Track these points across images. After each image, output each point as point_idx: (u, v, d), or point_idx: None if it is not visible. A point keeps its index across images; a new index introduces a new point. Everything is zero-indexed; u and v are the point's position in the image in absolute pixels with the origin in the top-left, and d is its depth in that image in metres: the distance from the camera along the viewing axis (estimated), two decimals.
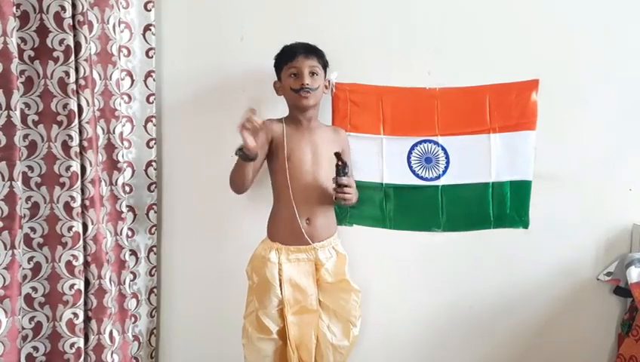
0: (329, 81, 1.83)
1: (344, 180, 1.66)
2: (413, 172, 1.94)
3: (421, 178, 1.94)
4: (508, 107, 1.89)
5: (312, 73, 1.70)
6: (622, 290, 1.91)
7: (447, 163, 1.93)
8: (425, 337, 2.03)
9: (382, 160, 1.93)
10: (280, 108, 1.82)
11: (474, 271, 1.98)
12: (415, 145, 1.93)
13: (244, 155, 1.60)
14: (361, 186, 1.92)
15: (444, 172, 1.94)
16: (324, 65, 1.77)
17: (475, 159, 1.92)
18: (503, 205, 1.93)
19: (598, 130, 1.90)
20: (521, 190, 1.92)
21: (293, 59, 1.69)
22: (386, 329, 2.02)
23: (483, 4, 1.88)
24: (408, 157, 1.94)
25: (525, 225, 1.94)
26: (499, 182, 1.92)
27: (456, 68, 1.90)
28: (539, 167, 1.90)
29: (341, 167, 1.66)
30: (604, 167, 1.91)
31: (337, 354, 1.79)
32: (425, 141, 1.93)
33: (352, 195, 1.70)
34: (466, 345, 2.03)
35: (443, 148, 1.93)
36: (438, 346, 2.04)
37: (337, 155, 1.65)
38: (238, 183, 1.71)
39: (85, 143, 1.65)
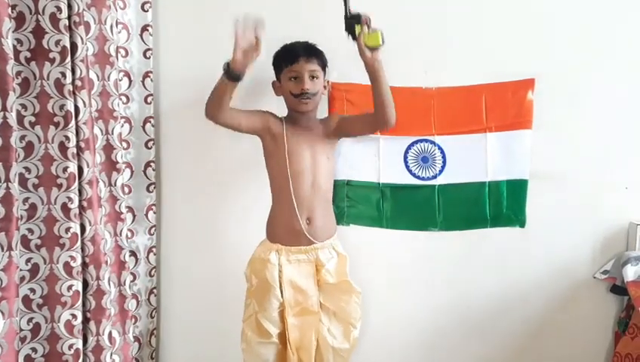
0: (327, 82, 1.79)
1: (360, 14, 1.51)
2: (410, 171, 1.91)
3: (418, 177, 1.91)
4: (504, 106, 1.86)
5: (313, 77, 1.66)
6: (618, 288, 1.88)
7: (444, 162, 1.89)
8: (422, 337, 2.00)
9: (379, 159, 1.90)
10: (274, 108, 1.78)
11: (471, 270, 1.95)
12: (412, 144, 1.90)
13: (228, 71, 1.50)
14: (357, 186, 1.89)
15: (440, 171, 1.90)
16: (324, 66, 1.72)
17: (471, 158, 1.89)
18: (499, 204, 1.90)
19: (594, 129, 1.87)
20: (517, 189, 1.89)
21: (294, 63, 1.64)
22: (383, 329, 1.99)
23: (479, 3, 1.84)
24: (405, 157, 1.90)
25: (522, 224, 1.90)
26: (495, 182, 1.89)
27: (453, 67, 1.86)
28: (535, 166, 1.87)
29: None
30: (600, 165, 1.88)
31: (338, 357, 1.74)
32: (421, 140, 1.89)
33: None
34: (464, 344, 2.00)
35: (439, 148, 1.89)
36: (435, 345, 2.00)
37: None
38: (214, 105, 1.58)
39: (82, 144, 1.61)
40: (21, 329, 1.58)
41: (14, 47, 1.50)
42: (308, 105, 1.67)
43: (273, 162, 1.71)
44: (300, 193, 1.67)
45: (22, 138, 1.55)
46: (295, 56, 1.64)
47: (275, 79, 1.74)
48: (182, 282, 2.03)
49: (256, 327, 1.70)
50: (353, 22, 1.53)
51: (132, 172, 1.89)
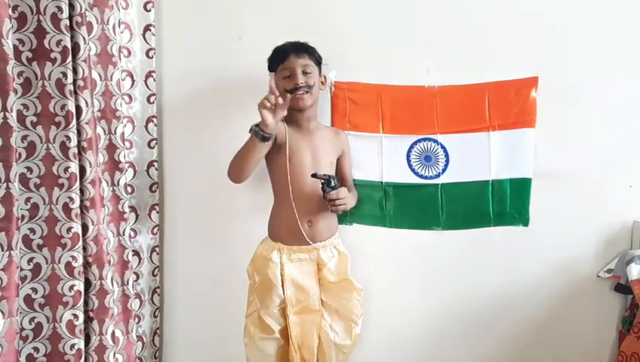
0: (325, 77, 1.75)
1: (332, 195, 1.59)
2: (413, 170, 1.86)
3: (421, 176, 1.86)
4: (507, 105, 1.81)
5: (305, 72, 1.63)
6: (622, 287, 1.83)
7: (447, 161, 1.85)
8: (425, 335, 1.96)
9: (381, 158, 1.85)
10: None
11: (474, 269, 1.90)
12: (414, 143, 1.85)
13: (260, 134, 1.50)
14: (360, 185, 1.85)
15: (443, 170, 1.85)
16: (318, 61, 1.69)
17: (474, 157, 1.84)
18: (502, 203, 1.85)
19: (598, 127, 1.82)
20: (520, 188, 1.84)
21: (285, 60, 1.62)
22: (386, 327, 1.94)
23: (482, 2, 1.80)
24: (408, 156, 1.86)
25: (525, 222, 1.85)
26: (499, 180, 1.84)
27: (456, 66, 1.81)
28: (538, 164, 1.82)
29: (325, 184, 1.59)
30: (604, 164, 1.83)
31: (340, 353, 1.72)
32: (424, 139, 1.85)
33: (345, 205, 1.63)
34: (467, 343, 1.95)
35: (442, 147, 1.84)
36: (438, 344, 1.96)
37: (315, 176, 1.58)
38: (243, 167, 1.56)
39: (85, 144, 1.58)
40: (23, 329, 1.55)
41: (16, 47, 1.47)
42: (305, 101, 1.63)
43: (275, 165, 1.68)
44: (300, 196, 1.64)
45: (24, 138, 1.51)
46: (285, 54, 1.62)
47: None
48: (185, 281, 1.99)
49: (259, 323, 1.68)
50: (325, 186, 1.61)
51: (135, 171, 1.85)
